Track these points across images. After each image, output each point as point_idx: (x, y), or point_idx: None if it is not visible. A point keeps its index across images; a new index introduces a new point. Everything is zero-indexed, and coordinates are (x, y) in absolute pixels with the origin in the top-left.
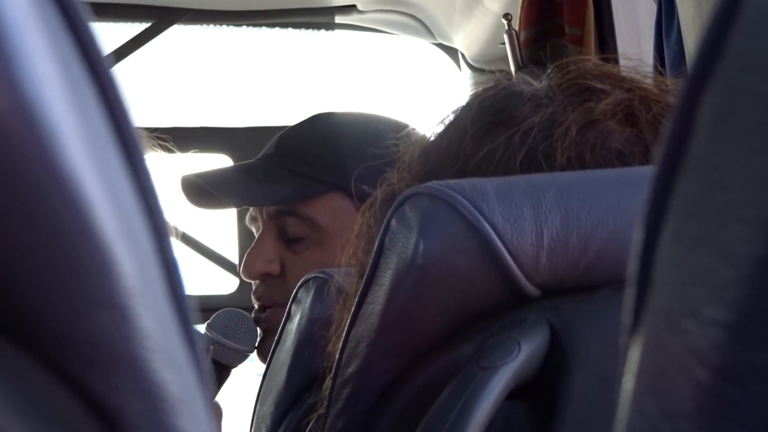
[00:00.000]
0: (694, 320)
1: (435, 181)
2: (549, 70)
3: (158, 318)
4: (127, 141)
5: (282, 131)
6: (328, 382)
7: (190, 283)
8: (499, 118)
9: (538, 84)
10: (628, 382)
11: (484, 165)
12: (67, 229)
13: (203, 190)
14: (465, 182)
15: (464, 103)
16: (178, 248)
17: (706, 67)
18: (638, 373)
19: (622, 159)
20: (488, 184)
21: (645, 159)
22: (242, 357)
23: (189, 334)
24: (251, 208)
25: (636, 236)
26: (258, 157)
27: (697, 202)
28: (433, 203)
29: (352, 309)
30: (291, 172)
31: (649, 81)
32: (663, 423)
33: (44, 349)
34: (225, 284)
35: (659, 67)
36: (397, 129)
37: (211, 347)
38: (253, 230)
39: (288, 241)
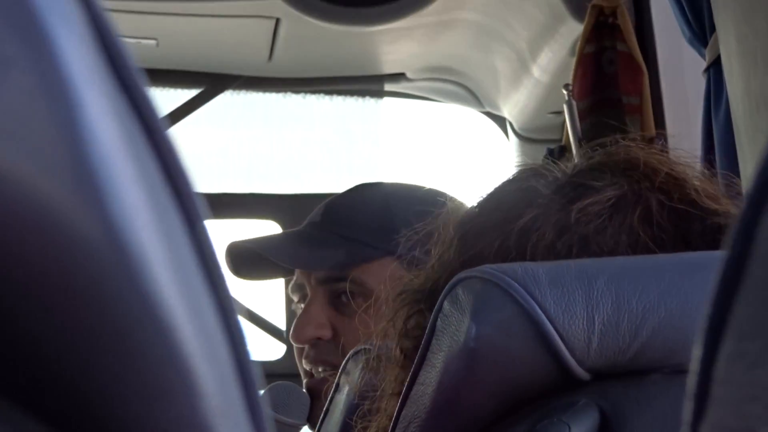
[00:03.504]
0: None
1: (487, 265)
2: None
3: None
4: (208, 261)
5: (327, 200)
6: None
7: None
8: (506, 214)
9: (557, 174)
10: None
11: (487, 262)
12: (155, 354)
13: (249, 259)
14: (517, 266)
15: (494, 188)
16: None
17: (765, 191)
18: None
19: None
20: (540, 268)
21: (632, 251)
22: (294, 430)
23: None
24: (296, 277)
25: (694, 353)
26: (304, 224)
27: (755, 323)
28: (485, 287)
29: (403, 390)
30: (342, 237)
31: (679, 167)
32: None
33: None
34: (272, 350)
35: (707, 143)
36: (440, 198)
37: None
38: (295, 299)
39: (339, 305)
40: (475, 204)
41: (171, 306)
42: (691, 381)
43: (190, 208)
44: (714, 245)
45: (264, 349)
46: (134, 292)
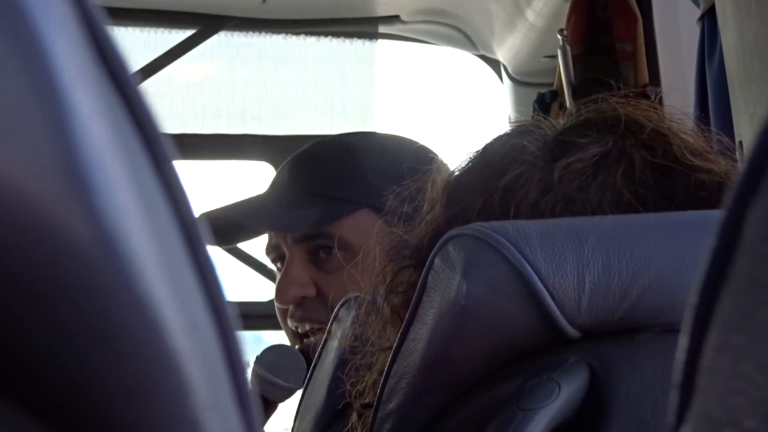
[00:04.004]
0: (735, 431)
1: (479, 222)
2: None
3: (226, 429)
4: (200, 257)
5: (289, 159)
6: (354, 417)
7: (227, 289)
8: (491, 172)
9: (546, 131)
10: None
11: (471, 220)
12: (143, 351)
13: (223, 226)
14: (509, 224)
15: (483, 145)
16: (217, 254)
17: (753, 183)
18: None
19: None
20: (531, 227)
21: (616, 208)
22: (290, 393)
23: None
24: (269, 238)
25: (680, 343)
26: (272, 185)
27: (740, 316)
28: (476, 245)
29: (394, 345)
30: (315, 195)
31: (665, 122)
32: None
33: None
34: (263, 291)
35: (700, 92)
36: (411, 147)
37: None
38: (270, 259)
39: (318, 262)
40: (465, 160)
41: (160, 304)
42: (677, 370)
43: (181, 204)
44: (698, 201)
45: (255, 289)
46: (123, 292)
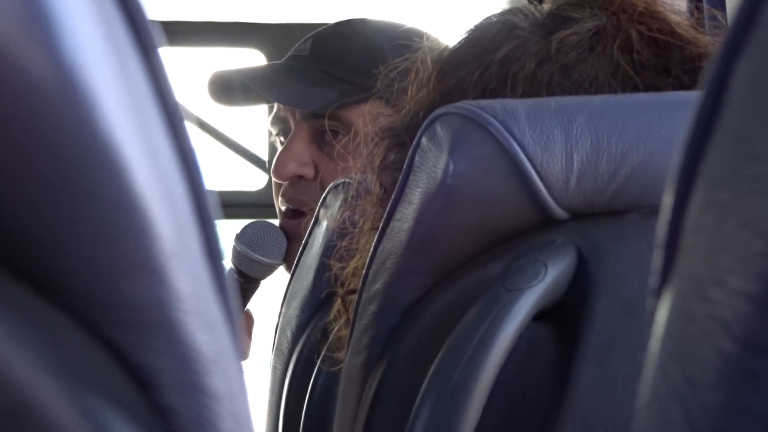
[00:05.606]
0: (720, 289)
1: (466, 101)
2: None
3: (194, 279)
4: (167, 101)
5: (315, 33)
6: (338, 303)
7: (217, 178)
8: (486, 46)
9: (534, 11)
10: (653, 346)
11: (467, 92)
12: (106, 196)
13: (235, 87)
14: (497, 103)
15: (473, 26)
16: (206, 142)
17: (740, 37)
18: (664, 337)
19: (582, 89)
20: (520, 105)
21: (613, 78)
22: (270, 269)
23: (224, 293)
24: (277, 108)
25: (665, 201)
26: (290, 56)
27: (726, 172)
28: (464, 123)
29: (380, 225)
30: (332, 77)
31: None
32: (686, 389)
33: (81, 310)
34: (253, 180)
35: None
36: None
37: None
38: (274, 131)
39: (322, 144)
40: (455, 42)
41: (124, 146)
42: (662, 230)
43: (148, 43)
44: (694, 74)
45: (245, 178)
46: (85, 131)
